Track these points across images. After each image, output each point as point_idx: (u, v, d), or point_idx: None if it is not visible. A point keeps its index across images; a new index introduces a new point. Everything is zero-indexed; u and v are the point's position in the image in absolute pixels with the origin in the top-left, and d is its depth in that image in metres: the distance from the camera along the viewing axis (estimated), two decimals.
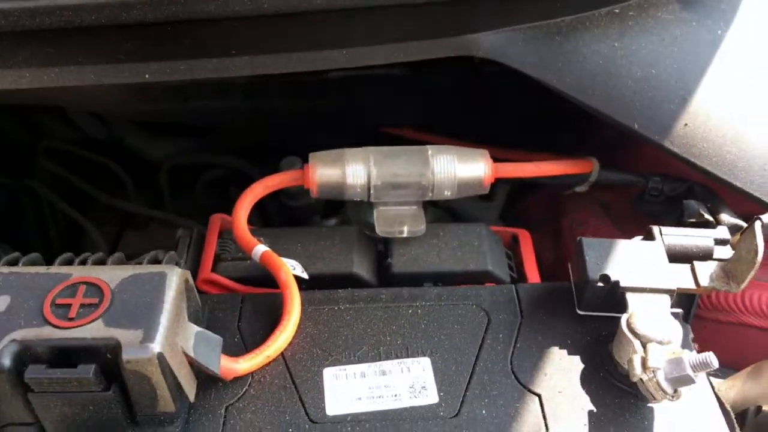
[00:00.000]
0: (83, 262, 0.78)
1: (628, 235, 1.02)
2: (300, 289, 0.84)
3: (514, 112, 1.24)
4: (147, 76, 0.89)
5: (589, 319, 0.80)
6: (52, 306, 0.67)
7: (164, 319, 0.67)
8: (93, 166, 1.46)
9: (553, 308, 0.82)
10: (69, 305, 0.67)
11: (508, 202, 1.22)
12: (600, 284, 0.77)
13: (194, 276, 0.92)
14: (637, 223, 1.04)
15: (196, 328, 0.72)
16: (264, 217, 1.24)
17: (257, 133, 1.39)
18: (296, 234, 0.97)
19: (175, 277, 0.71)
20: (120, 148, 1.45)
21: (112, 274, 0.71)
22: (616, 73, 0.93)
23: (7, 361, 0.64)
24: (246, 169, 1.39)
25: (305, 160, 1.09)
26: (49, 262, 0.80)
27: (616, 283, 0.77)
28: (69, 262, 0.78)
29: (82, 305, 0.68)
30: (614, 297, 0.78)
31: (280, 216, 1.19)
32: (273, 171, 1.44)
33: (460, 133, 1.25)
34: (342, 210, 1.18)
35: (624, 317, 0.74)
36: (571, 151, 1.19)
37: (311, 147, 1.38)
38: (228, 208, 1.47)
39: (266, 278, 0.88)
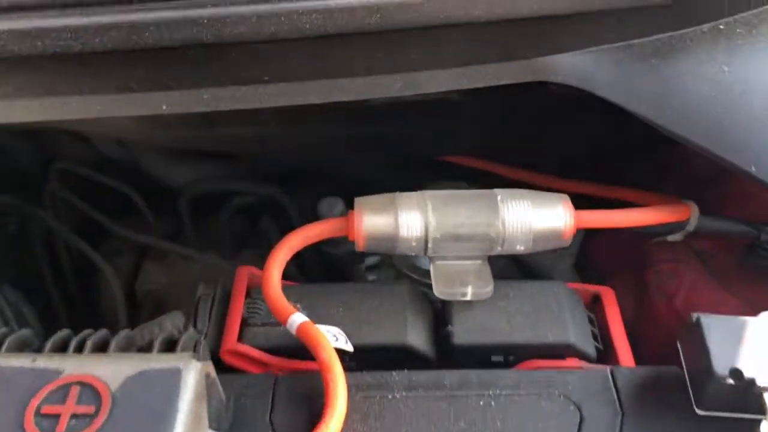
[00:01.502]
0: (80, 345, 0.63)
1: (736, 297, 0.86)
2: (344, 365, 0.69)
3: (584, 139, 1.08)
4: (164, 107, 0.74)
5: (711, 421, 0.64)
6: (36, 416, 0.53)
7: None
8: (109, 190, 1.32)
9: (661, 402, 0.66)
10: (57, 416, 0.53)
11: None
12: (730, 381, 0.61)
13: (217, 346, 0.77)
14: (744, 280, 0.87)
15: None
16: (297, 258, 1.09)
17: (290, 158, 1.24)
18: (337, 292, 0.82)
19: (192, 376, 0.56)
20: (139, 172, 1.31)
21: (113, 370, 0.56)
22: (728, 103, 0.76)
23: None
24: (277, 197, 1.25)
25: (346, 192, 0.94)
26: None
27: (752, 381, 0.60)
28: (63, 346, 0.63)
29: (75, 416, 0.53)
30: (748, 396, 0.61)
31: (316, 260, 1.05)
32: (307, 199, 1.33)
33: (518, 163, 1.10)
34: None
35: (765, 425, 0.58)
36: (648, 183, 1.04)
37: (351, 173, 1.23)
38: (257, 239, 1.36)
39: (304, 348, 0.73)
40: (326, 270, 1.06)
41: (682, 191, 0.99)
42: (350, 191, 1.17)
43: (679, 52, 0.79)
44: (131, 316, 1.30)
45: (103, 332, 0.65)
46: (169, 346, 0.64)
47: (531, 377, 0.70)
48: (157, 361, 0.57)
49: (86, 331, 0.66)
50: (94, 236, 1.40)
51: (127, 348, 0.64)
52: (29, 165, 1.37)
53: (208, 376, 0.59)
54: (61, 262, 1.41)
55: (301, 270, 1.09)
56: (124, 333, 0.65)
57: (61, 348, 0.64)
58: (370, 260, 1.08)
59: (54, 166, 1.33)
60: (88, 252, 1.27)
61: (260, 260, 1.31)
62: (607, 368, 0.71)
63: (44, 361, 0.58)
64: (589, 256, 1.05)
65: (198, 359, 0.58)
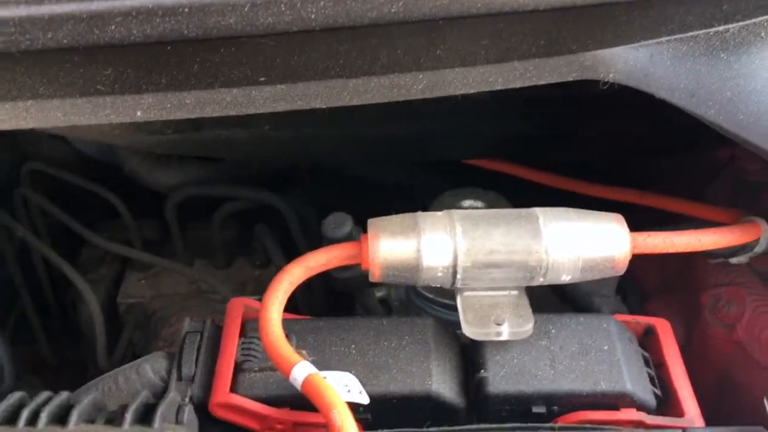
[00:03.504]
0: (34, 415, 0.50)
1: None
2: (358, 419, 0.57)
3: (621, 139, 0.96)
4: (138, 113, 0.61)
5: None
6: None
7: None
8: (86, 193, 1.19)
9: None
10: None
11: None
12: None
13: (206, 395, 0.65)
14: None
15: None
16: None
17: (286, 161, 1.12)
18: (348, 329, 0.70)
19: None
20: (120, 172, 1.19)
21: None
22: None
23: None
24: (271, 202, 1.12)
25: (347, 196, 0.82)
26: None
27: None
28: (13, 415, 0.51)
29: None
30: None
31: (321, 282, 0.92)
32: (303, 202, 1.20)
33: (549, 166, 0.97)
34: None
35: None
36: (692, 188, 0.92)
37: (353, 174, 1.10)
38: (250, 246, 1.23)
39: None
40: (330, 292, 0.93)
41: (732, 198, 0.87)
42: (353, 195, 1.05)
43: (752, 45, 0.67)
44: (113, 329, 1.19)
45: (62, 397, 0.53)
46: (145, 414, 0.52)
47: None
48: None
49: (42, 396, 0.53)
50: (73, 242, 1.28)
51: (93, 418, 0.52)
52: None
53: None
54: (37, 271, 1.29)
55: (302, 290, 0.97)
56: (88, 400, 0.52)
57: (12, 418, 0.51)
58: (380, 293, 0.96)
59: (26, 168, 1.20)
60: (62, 266, 1.14)
61: (254, 269, 1.22)
62: (680, 428, 0.59)
63: None
64: (628, 274, 0.93)
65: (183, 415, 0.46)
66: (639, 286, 0.93)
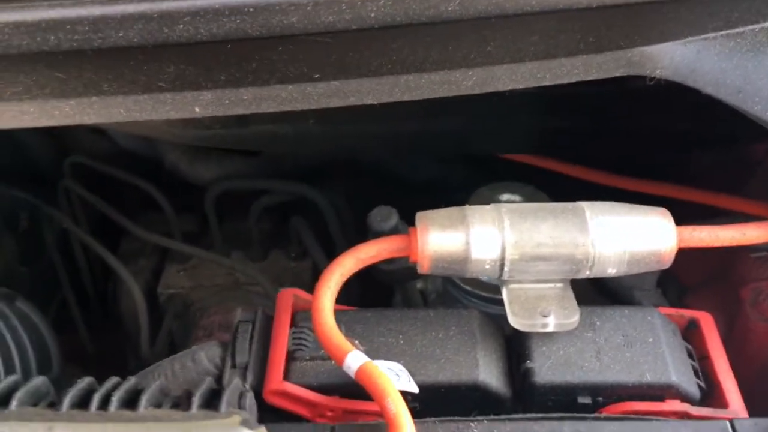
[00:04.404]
0: (105, 400, 0.52)
1: None
2: (411, 412, 0.59)
3: (660, 134, 0.96)
4: (197, 109, 0.63)
5: None
6: None
7: None
8: (128, 185, 1.22)
9: None
10: None
11: None
12: None
13: (259, 383, 0.67)
14: None
15: None
16: None
17: (325, 156, 1.13)
18: (396, 320, 0.71)
19: None
20: (160, 166, 1.21)
21: None
22: None
23: None
24: (309, 195, 1.14)
25: (383, 190, 0.83)
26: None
27: None
28: (84, 400, 0.53)
29: None
30: None
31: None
32: (340, 196, 1.22)
33: (585, 161, 0.98)
34: None
35: None
36: (728, 178, 0.92)
37: (388, 167, 1.11)
38: (287, 238, 1.25)
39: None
40: (367, 281, 0.95)
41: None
42: (387, 190, 1.07)
43: None
44: (153, 320, 1.21)
45: (131, 382, 0.55)
46: (210, 399, 0.54)
47: (635, 429, 0.60)
48: (199, 430, 0.47)
49: (111, 381, 0.55)
50: (113, 234, 1.30)
51: (160, 402, 0.54)
52: (42, 158, 1.27)
53: None
54: (77, 261, 1.32)
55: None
56: (156, 385, 0.54)
57: (83, 403, 0.53)
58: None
59: (69, 161, 1.23)
60: (105, 256, 1.16)
61: (290, 261, 1.23)
62: (726, 419, 0.60)
63: (63, 429, 0.47)
64: (668, 268, 0.94)
65: (249, 426, 0.48)
66: (679, 280, 0.94)
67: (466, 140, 0.97)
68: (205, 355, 0.69)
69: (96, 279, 1.35)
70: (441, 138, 0.96)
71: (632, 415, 0.64)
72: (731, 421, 0.60)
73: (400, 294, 0.93)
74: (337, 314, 0.69)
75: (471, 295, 0.89)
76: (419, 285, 0.99)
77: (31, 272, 1.25)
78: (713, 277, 0.89)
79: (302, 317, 0.72)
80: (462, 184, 0.98)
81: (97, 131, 1.20)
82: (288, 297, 0.74)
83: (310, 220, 1.20)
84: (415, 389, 0.65)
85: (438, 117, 0.91)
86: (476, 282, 0.88)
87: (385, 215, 0.79)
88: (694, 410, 0.65)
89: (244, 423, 0.48)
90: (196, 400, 0.52)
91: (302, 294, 0.74)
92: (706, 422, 0.61)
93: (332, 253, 1.10)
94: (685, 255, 0.93)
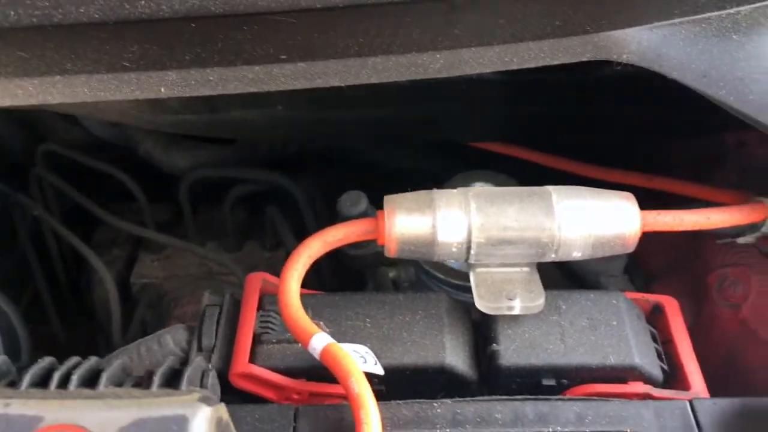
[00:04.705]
0: (65, 379, 0.52)
1: None
2: (373, 390, 0.59)
3: (629, 122, 0.97)
4: (162, 89, 0.63)
5: None
6: None
7: None
8: (101, 174, 1.21)
9: None
10: None
11: None
12: None
13: (225, 366, 0.67)
14: None
15: None
16: None
17: (299, 143, 1.13)
18: (363, 304, 0.72)
19: (201, 426, 0.45)
20: (133, 155, 1.20)
21: (104, 419, 0.46)
22: None
23: None
24: (284, 185, 1.14)
25: (357, 178, 0.83)
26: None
27: None
28: (44, 379, 0.52)
29: None
30: None
31: (331, 262, 0.94)
32: (316, 186, 1.22)
33: (554, 148, 0.99)
34: None
35: None
36: (696, 170, 0.93)
37: (362, 157, 1.11)
38: (261, 228, 1.25)
39: (326, 368, 0.63)
40: (341, 270, 0.95)
41: (740, 184, 0.89)
42: (361, 180, 1.07)
43: (763, 27, 0.68)
44: (126, 310, 1.21)
45: (91, 362, 0.54)
46: (172, 379, 0.54)
47: (597, 410, 0.60)
48: (158, 407, 0.47)
49: (72, 360, 0.55)
50: (86, 224, 1.29)
51: (121, 382, 0.53)
52: (13, 146, 1.26)
53: (220, 421, 0.49)
54: (49, 251, 1.31)
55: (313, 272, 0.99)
56: (117, 364, 0.54)
57: (42, 382, 0.53)
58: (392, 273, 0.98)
59: (41, 149, 1.21)
60: (78, 246, 1.16)
61: (264, 251, 1.23)
62: (686, 400, 0.61)
63: (20, 406, 0.47)
64: (635, 255, 0.94)
65: (208, 403, 0.47)
66: (645, 267, 0.94)
67: (438, 127, 0.97)
68: (171, 338, 0.69)
69: (69, 269, 1.34)
70: (413, 125, 0.97)
71: (595, 397, 0.64)
72: (691, 401, 0.61)
73: (372, 283, 0.93)
74: (305, 298, 0.69)
75: (443, 283, 0.89)
76: (392, 274, 1.00)
77: (3, 262, 1.24)
78: (680, 265, 0.90)
79: (270, 301, 0.72)
80: (437, 174, 0.98)
81: (69, 119, 1.19)
82: (256, 281, 0.74)
83: (284, 210, 1.19)
84: (381, 372, 0.65)
85: (410, 104, 0.91)
86: (448, 270, 0.88)
87: (354, 200, 0.79)
88: (657, 392, 0.66)
89: (203, 400, 0.47)
90: (156, 379, 0.52)
91: (271, 278, 0.74)
92: (667, 402, 0.61)
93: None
94: (652, 242, 0.95)
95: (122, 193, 1.22)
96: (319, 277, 1.14)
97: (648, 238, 0.95)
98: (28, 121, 1.22)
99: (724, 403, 0.61)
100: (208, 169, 1.15)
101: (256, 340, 0.69)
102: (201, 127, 0.92)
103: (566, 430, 0.59)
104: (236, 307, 0.72)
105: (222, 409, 0.49)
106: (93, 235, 1.31)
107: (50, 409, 0.47)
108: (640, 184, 0.91)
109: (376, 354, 0.66)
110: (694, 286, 0.87)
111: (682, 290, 0.88)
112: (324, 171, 1.22)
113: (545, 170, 0.98)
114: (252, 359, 0.67)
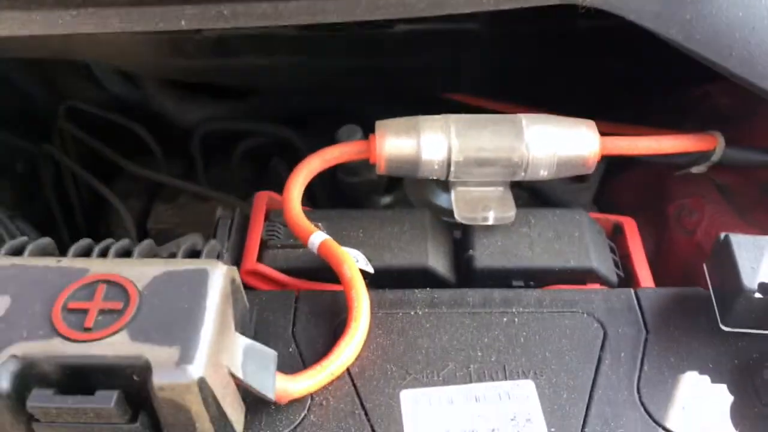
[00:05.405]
0: (104, 252, 0.62)
1: (757, 229, 0.86)
2: (366, 286, 0.69)
3: (602, 74, 1.07)
4: (183, 22, 0.73)
5: (737, 337, 0.64)
6: (63, 311, 0.52)
7: (207, 332, 0.52)
8: (119, 131, 1.31)
9: (686, 321, 0.66)
10: (85, 311, 0.52)
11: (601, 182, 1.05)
12: (758, 295, 0.61)
13: (237, 266, 0.77)
14: (766, 213, 0.87)
15: (245, 341, 0.57)
16: (308, 191, 1.08)
17: (303, 96, 1.23)
18: (358, 218, 0.81)
19: (219, 277, 0.56)
20: (148, 111, 1.30)
21: (140, 271, 0.56)
22: (763, 28, 0.75)
23: (5, 383, 0.49)
24: (290, 138, 1.24)
25: (363, 129, 0.93)
26: (65, 245, 0.64)
27: None
28: (86, 252, 0.63)
29: (102, 311, 0.52)
30: None
31: (330, 193, 1.03)
32: (320, 140, 1.31)
33: (532, 101, 1.08)
34: (398, 187, 1.02)
35: None
36: (669, 123, 1.02)
37: (365, 115, 1.21)
38: (268, 181, 1.35)
39: (323, 270, 0.73)
40: (339, 203, 1.04)
41: (704, 129, 0.98)
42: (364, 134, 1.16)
43: None
44: None
45: (125, 241, 0.65)
46: (192, 256, 0.64)
47: (554, 296, 0.70)
48: (183, 264, 0.57)
49: (108, 240, 0.65)
50: (104, 177, 1.39)
51: (150, 256, 0.64)
52: (37, 104, 1.36)
53: (233, 281, 0.59)
54: (71, 200, 1.41)
55: (313, 203, 1.08)
56: (147, 243, 0.64)
57: (85, 254, 0.63)
58: (385, 200, 1.07)
59: (63, 105, 1.31)
60: (99, 188, 1.26)
61: None
62: (631, 289, 0.71)
63: (69, 263, 0.57)
64: (608, 197, 1.04)
65: (223, 260, 0.58)
66: (617, 203, 1.04)
67: (426, 78, 1.07)
68: (189, 242, 0.79)
69: (89, 217, 1.44)
70: (403, 75, 1.06)
71: (553, 291, 0.74)
72: (636, 290, 0.70)
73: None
74: (306, 213, 0.79)
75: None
76: (385, 201, 1.08)
77: (27, 213, 1.34)
78: (647, 203, 0.99)
79: (276, 214, 0.82)
80: None
81: (88, 79, 1.29)
82: (264, 197, 0.84)
83: (291, 165, 1.29)
84: (371, 270, 0.75)
85: (399, 55, 1.01)
86: (443, 210, 0.97)
87: (351, 131, 0.89)
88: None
89: (219, 258, 0.57)
90: (180, 254, 0.62)
91: (276, 196, 0.84)
92: (615, 290, 0.71)
93: (312, 198, 1.19)
94: (623, 184, 1.04)
95: (138, 149, 1.31)
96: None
97: (620, 181, 1.05)
98: (49, 79, 1.32)
99: (663, 291, 0.70)
100: (217, 122, 1.25)
101: (263, 245, 0.79)
102: (212, 72, 1.02)
103: (527, 310, 0.68)
104: (245, 219, 0.82)
105: (236, 273, 0.59)
106: (111, 187, 1.41)
107: (95, 265, 0.57)
108: (608, 132, 1.00)
109: (367, 258, 0.76)
110: (658, 219, 0.96)
111: (649, 224, 0.98)
112: (328, 128, 1.32)
113: None
114: (259, 260, 0.77)
